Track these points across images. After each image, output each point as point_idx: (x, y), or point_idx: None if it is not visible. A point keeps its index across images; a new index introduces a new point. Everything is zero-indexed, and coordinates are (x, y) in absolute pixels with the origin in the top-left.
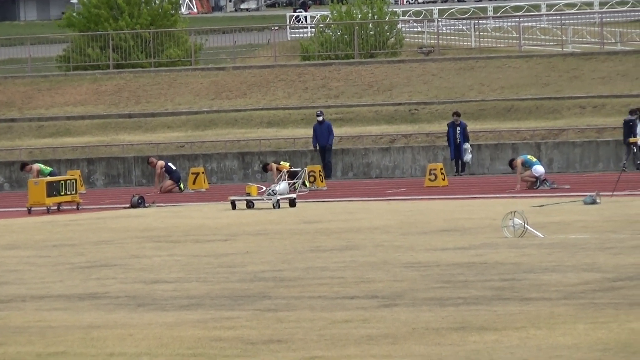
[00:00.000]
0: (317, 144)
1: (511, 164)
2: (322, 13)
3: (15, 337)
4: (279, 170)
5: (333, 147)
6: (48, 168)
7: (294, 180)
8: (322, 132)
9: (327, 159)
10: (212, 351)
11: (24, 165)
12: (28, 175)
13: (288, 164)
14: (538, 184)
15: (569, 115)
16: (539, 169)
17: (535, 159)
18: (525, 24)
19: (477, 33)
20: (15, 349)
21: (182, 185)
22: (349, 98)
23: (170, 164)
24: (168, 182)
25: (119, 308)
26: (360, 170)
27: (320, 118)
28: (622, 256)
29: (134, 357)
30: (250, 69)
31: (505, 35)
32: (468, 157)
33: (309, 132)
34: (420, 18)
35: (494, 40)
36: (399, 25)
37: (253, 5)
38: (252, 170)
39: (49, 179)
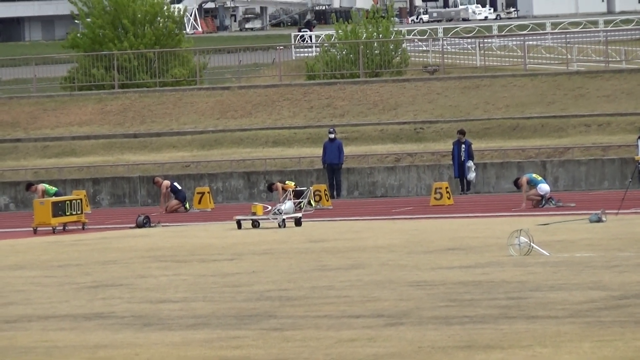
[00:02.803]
0: (325, 162)
1: (516, 183)
2: (327, 32)
3: (21, 358)
4: (284, 189)
5: None
6: (53, 188)
7: (300, 200)
8: (332, 150)
9: (336, 179)
10: None
11: (29, 186)
12: (33, 195)
13: (293, 183)
14: (543, 202)
15: (574, 133)
16: (544, 188)
17: (540, 178)
18: (530, 42)
19: (482, 52)
20: None
21: (187, 205)
22: (354, 117)
23: (175, 183)
24: (174, 202)
25: (125, 328)
26: (365, 189)
27: (332, 136)
28: (627, 274)
29: None
30: (256, 88)
31: (510, 54)
32: (472, 175)
33: (315, 151)
34: (425, 37)
35: (499, 59)
36: (404, 45)
37: (258, 25)
38: (258, 189)
39: (54, 199)
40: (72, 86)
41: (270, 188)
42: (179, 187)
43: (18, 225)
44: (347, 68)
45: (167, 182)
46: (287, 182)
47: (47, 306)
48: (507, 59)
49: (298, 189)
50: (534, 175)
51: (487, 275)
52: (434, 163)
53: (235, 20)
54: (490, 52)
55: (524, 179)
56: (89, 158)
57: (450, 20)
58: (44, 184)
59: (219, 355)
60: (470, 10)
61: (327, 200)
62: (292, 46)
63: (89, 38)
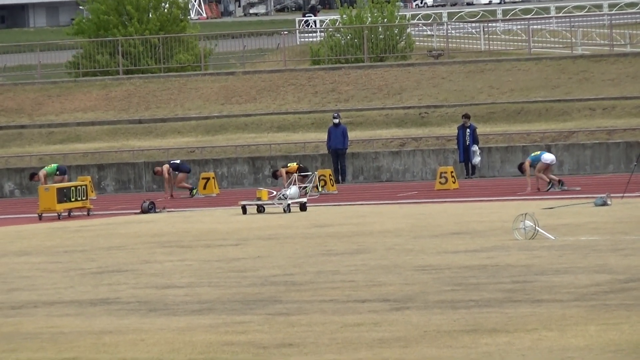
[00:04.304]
0: (330, 147)
1: (521, 168)
2: (332, 17)
3: (27, 343)
4: (288, 173)
5: None
6: (52, 166)
7: (305, 185)
8: (337, 135)
9: (341, 163)
10: (224, 356)
11: (32, 176)
12: (38, 183)
13: (295, 163)
14: (550, 185)
15: (579, 117)
16: (547, 157)
17: (538, 152)
18: (535, 26)
19: (486, 36)
20: (27, 355)
21: (194, 191)
22: (359, 102)
23: (174, 161)
24: (180, 176)
25: (130, 313)
26: (370, 174)
27: (337, 121)
28: (633, 257)
29: None
30: (260, 73)
31: (515, 38)
32: (477, 159)
33: (319, 136)
34: (429, 21)
35: (503, 43)
36: (409, 29)
37: (262, 10)
38: (263, 174)
39: (59, 185)
40: (77, 72)
41: (275, 175)
42: (178, 161)
43: (23, 212)
44: (351, 53)
45: (166, 166)
46: (289, 164)
47: (52, 292)
48: (511, 43)
49: (301, 166)
50: (532, 154)
51: (492, 259)
52: (439, 147)
53: (239, 6)
54: (494, 37)
55: (527, 163)
56: (94, 144)
57: (455, 4)
58: (44, 169)
59: (225, 340)
60: None
61: (332, 185)
62: (297, 31)
63: (94, 23)
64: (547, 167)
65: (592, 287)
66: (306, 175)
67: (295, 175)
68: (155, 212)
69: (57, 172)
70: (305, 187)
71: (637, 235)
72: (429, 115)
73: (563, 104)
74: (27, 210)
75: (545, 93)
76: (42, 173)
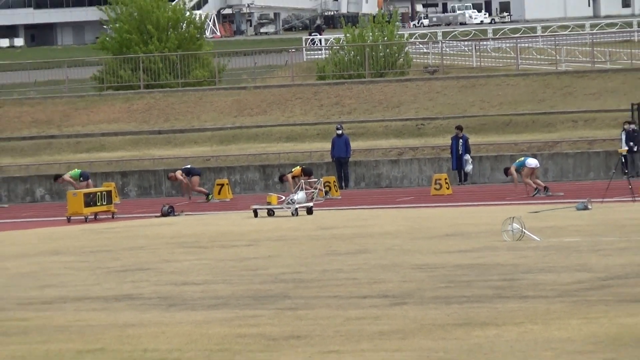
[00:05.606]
0: (334, 156)
1: (506, 172)
2: (336, 36)
3: (57, 335)
4: (294, 178)
5: None
6: (76, 171)
7: (311, 190)
8: (340, 145)
9: (344, 171)
10: (237, 347)
11: (56, 177)
12: (67, 187)
13: (299, 167)
14: (536, 191)
15: (562, 128)
16: (531, 162)
17: (522, 158)
18: (522, 44)
19: (478, 53)
20: (57, 346)
21: (209, 196)
22: (360, 114)
23: (185, 166)
24: (194, 179)
25: (152, 308)
26: (371, 181)
27: (340, 132)
28: (611, 257)
29: (166, 353)
30: (270, 88)
31: (504, 55)
32: (469, 167)
33: (324, 146)
34: (425, 40)
35: (493, 60)
36: (407, 47)
37: (272, 30)
38: (273, 181)
39: (86, 190)
40: (102, 87)
41: (281, 179)
42: (189, 166)
43: (53, 215)
44: (354, 69)
45: (179, 172)
46: (293, 169)
47: (81, 288)
48: (501, 60)
49: (304, 167)
50: (517, 160)
51: (482, 259)
52: (434, 156)
53: (250, 25)
54: (485, 54)
55: (513, 168)
56: (118, 153)
57: (449, 24)
58: (68, 173)
59: (238, 333)
60: (467, 15)
61: (336, 191)
62: (304, 49)
63: (117, 42)
64: (533, 172)
65: (574, 285)
66: (311, 175)
67: (302, 181)
68: (174, 215)
69: (81, 179)
70: (313, 191)
71: (616, 237)
72: (425, 127)
73: (548, 116)
74: (57, 214)
75: (532, 106)
76: (67, 177)
